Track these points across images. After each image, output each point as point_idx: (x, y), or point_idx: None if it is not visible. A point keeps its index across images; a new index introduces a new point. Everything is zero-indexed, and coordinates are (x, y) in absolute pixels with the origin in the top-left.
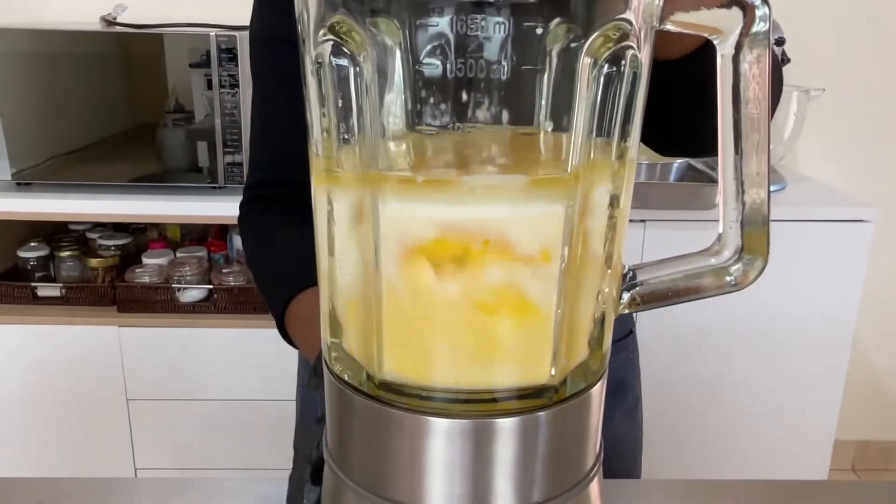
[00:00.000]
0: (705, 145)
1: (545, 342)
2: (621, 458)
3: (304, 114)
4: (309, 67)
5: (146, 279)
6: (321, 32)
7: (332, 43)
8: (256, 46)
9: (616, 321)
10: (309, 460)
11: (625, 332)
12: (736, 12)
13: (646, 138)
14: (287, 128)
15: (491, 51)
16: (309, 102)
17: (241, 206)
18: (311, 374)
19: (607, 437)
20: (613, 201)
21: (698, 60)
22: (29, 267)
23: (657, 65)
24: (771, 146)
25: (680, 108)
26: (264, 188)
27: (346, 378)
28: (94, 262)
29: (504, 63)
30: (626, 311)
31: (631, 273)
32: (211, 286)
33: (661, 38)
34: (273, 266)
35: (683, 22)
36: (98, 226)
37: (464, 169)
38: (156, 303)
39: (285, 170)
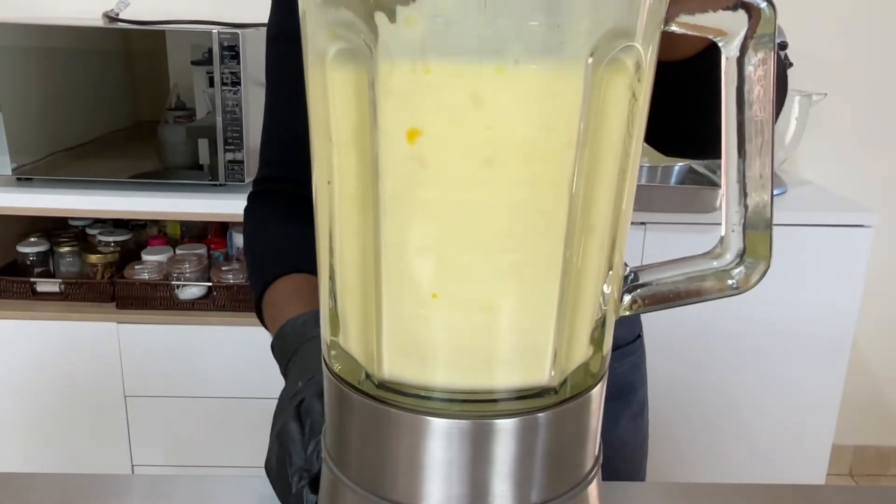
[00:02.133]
0: (707, 146)
1: (545, 342)
2: (626, 462)
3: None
4: (311, 60)
5: (145, 276)
6: (323, 27)
7: (334, 37)
8: (270, 44)
9: (624, 326)
10: (310, 468)
11: (632, 337)
12: (741, 14)
13: (648, 138)
14: (291, 127)
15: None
16: (309, 92)
17: (248, 199)
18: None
19: (613, 440)
20: (616, 200)
21: (703, 62)
22: (28, 262)
23: (661, 66)
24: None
25: (683, 109)
26: (268, 183)
27: (345, 377)
28: (93, 258)
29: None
30: (628, 314)
31: (632, 275)
32: (210, 283)
33: (666, 40)
34: (259, 255)
35: (688, 23)
36: (98, 222)
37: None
38: (155, 299)
39: (288, 167)
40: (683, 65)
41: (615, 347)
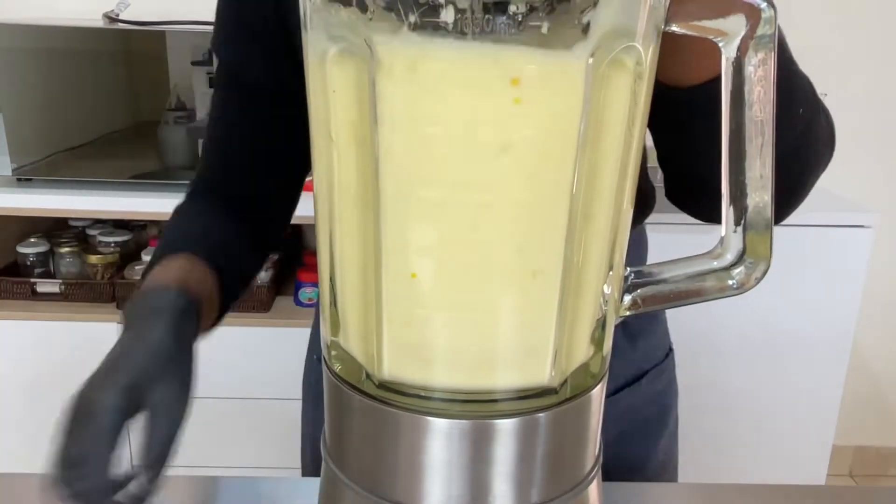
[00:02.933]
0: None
1: (545, 342)
2: (665, 476)
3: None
4: (311, 60)
5: None
6: (323, 27)
7: (335, 38)
8: (220, 78)
9: (655, 342)
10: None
11: (664, 354)
12: (741, 15)
13: (676, 199)
14: (232, 150)
15: None
16: (309, 92)
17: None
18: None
19: (655, 465)
20: (616, 200)
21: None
22: (28, 263)
23: (672, 91)
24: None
25: (702, 144)
26: (206, 183)
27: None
28: (93, 258)
29: None
30: (628, 314)
31: (632, 275)
32: None
33: (680, 63)
34: (168, 235)
35: (689, 24)
36: (98, 222)
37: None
38: None
39: (228, 178)
40: (696, 89)
41: (650, 367)
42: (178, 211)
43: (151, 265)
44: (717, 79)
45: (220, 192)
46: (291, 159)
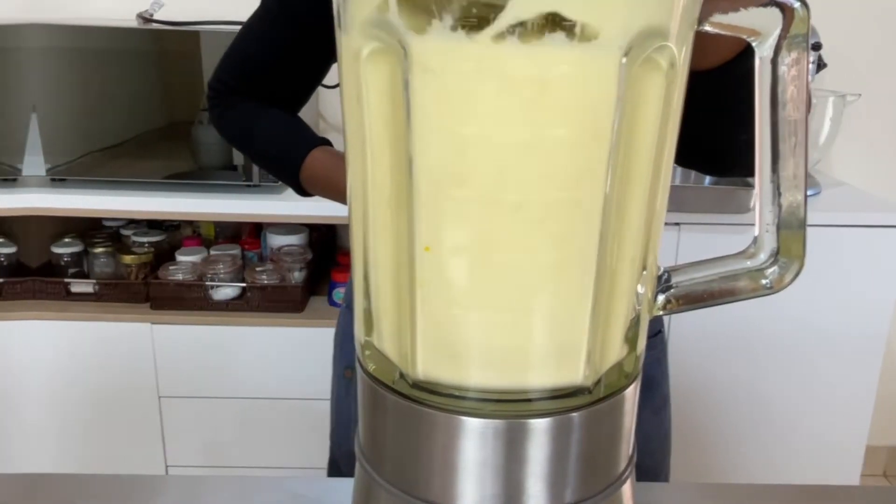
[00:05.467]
0: (728, 164)
1: (579, 342)
2: (650, 456)
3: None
4: (345, 59)
5: (179, 276)
6: (357, 26)
7: (369, 37)
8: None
9: None
10: None
11: (653, 332)
12: (775, 14)
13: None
14: (273, 61)
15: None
16: (343, 92)
17: (211, 99)
18: (346, 366)
19: (636, 433)
20: (649, 200)
21: (731, 70)
22: (62, 263)
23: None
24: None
25: (708, 121)
26: (233, 90)
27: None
28: (127, 258)
29: None
30: (661, 313)
31: (666, 275)
32: (244, 284)
33: (696, 49)
34: (273, 136)
35: (722, 23)
36: (132, 222)
37: None
38: (189, 300)
39: (254, 85)
40: (712, 73)
41: None
42: (258, 115)
43: (300, 160)
44: (728, 64)
45: (254, 94)
46: (321, 68)
